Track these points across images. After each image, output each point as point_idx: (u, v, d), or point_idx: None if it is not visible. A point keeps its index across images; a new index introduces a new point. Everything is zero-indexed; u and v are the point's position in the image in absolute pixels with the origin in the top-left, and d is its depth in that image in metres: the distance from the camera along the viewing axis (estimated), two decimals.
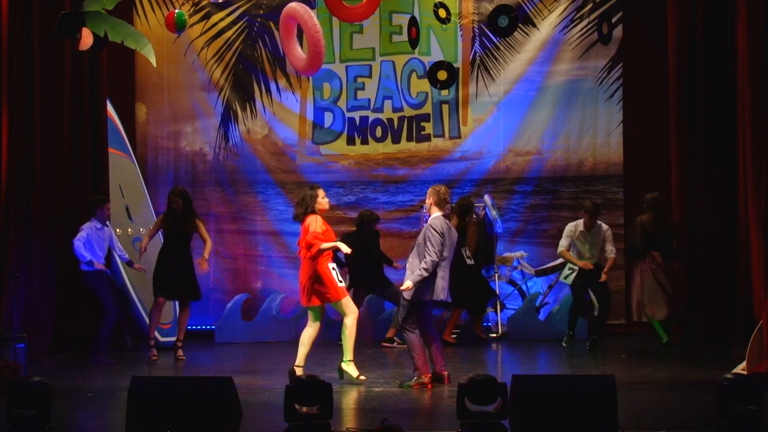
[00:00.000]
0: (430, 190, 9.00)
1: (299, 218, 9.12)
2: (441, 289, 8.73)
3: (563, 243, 11.04)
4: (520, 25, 12.21)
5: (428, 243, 8.68)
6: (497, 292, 12.00)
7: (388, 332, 11.64)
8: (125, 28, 9.46)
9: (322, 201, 9.11)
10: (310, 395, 5.91)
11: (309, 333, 9.08)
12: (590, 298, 11.41)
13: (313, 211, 9.03)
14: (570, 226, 11.09)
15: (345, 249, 9.00)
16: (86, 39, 9.21)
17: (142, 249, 10.78)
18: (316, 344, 9.20)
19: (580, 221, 11.05)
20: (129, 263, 10.93)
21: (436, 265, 8.66)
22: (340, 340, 9.20)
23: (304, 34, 9.74)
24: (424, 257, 8.65)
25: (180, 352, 10.71)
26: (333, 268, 9.05)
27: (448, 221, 8.95)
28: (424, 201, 11.61)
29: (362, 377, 9.02)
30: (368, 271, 11.64)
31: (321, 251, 8.91)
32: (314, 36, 9.35)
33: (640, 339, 11.17)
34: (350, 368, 9.05)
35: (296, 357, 9.03)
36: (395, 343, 11.46)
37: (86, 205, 10.90)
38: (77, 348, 10.95)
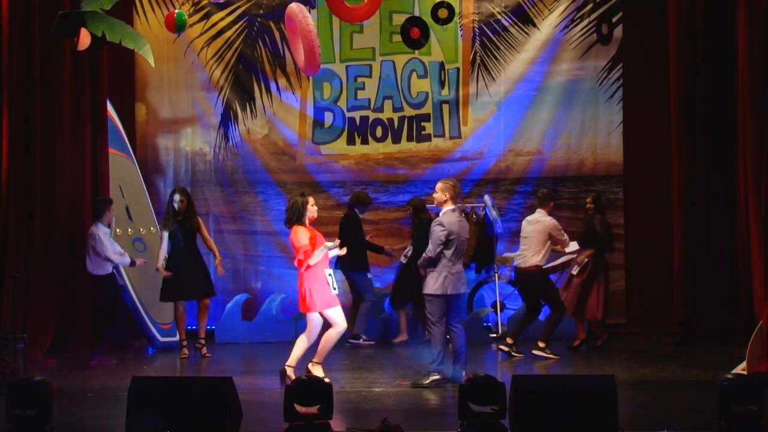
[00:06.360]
0: (442, 185, 8.92)
1: (288, 225, 8.98)
2: (462, 282, 8.85)
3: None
4: (520, 24, 12.14)
5: (430, 238, 8.69)
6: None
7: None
8: (123, 28, 9.46)
9: (312, 209, 8.96)
10: (311, 395, 5.90)
11: (303, 337, 9.04)
12: None
13: (300, 221, 8.88)
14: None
15: (336, 252, 8.95)
16: (84, 39, 9.20)
17: (160, 267, 10.78)
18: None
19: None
20: (132, 263, 10.90)
21: (434, 262, 8.67)
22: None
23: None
24: (425, 252, 8.72)
25: (204, 350, 10.76)
26: (329, 275, 8.97)
27: (460, 214, 8.98)
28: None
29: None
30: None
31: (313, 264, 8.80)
32: (307, 36, 9.37)
33: (640, 339, 11.16)
34: (316, 369, 8.90)
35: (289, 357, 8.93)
36: (361, 339, 11.46)
37: (93, 206, 10.87)
38: (77, 348, 10.94)
